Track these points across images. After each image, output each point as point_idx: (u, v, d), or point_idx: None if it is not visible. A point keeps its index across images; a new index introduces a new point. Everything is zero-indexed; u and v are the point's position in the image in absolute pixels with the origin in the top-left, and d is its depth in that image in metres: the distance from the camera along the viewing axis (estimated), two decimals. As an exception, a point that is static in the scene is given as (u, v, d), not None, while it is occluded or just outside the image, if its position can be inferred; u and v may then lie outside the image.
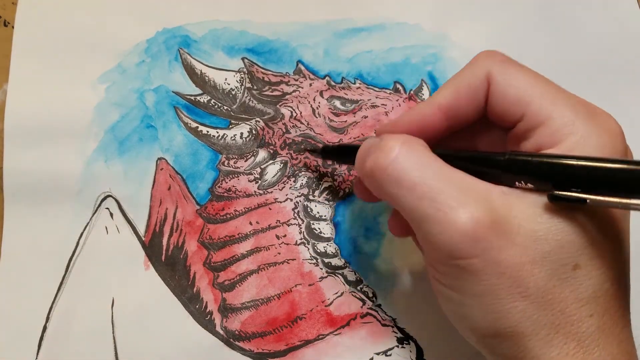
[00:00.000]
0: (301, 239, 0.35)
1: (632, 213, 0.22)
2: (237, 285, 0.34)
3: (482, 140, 0.27)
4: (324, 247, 0.35)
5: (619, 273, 0.23)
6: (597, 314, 0.22)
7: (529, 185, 0.22)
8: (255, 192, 0.35)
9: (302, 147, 0.35)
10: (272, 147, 0.36)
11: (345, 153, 0.30)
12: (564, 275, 0.22)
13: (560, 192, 0.21)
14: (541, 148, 0.23)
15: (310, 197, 0.35)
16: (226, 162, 0.35)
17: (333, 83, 0.37)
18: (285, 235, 0.35)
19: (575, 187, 0.21)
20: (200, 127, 0.36)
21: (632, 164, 0.20)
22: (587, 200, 0.20)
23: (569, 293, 0.22)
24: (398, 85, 0.38)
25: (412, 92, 0.37)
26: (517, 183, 0.23)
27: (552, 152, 0.22)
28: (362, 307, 0.34)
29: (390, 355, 0.33)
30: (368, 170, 0.25)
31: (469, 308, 0.23)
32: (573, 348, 0.22)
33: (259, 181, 0.35)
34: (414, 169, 0.23)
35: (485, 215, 0.21)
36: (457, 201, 0.22)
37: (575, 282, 0.22)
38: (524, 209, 0.22)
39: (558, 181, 0.21)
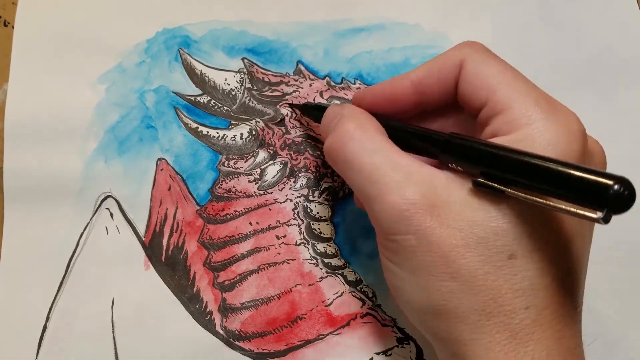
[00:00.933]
0: (301, 239, 0.35)
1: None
2: (237, 285, 0.34)
3: (454, 125, 0.28)
4: (324, 247, 0.35)
5: (566, 271, 0.23)
6: (534, 307, 0.22)
7: (459, 168, 0.23)
8: (255, 192, 0.35)
9: (286, 102, 0.36)
10: (272, 147, 0.36)
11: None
12: (498, 263, 0.22)
13: (481, 180, 0.22)
14: (497, 135, 0.23)
15: (310, 198, 0.35)
16: (226, 162, 0.36)
17: (333, 83, 0.37)
18: (285, 236, 0.35)
19: (500, 176, 0.21)
20: (200, 128, 0.36)
21: (555, 163, 0.20)
22: (505, 192, 0.21)
23: (502, 282, 0.22)
24: (398, 85, 0.38)
25: (412, 92, 0.37)
26: (449, 164, 0.24)
27: (501, 140, 0.23)
28: (362, 307, 0.34)
29: (390, 355, 0.33)
30: (326, 149, 0.27)
31: (405, 282, 0.24)
32: (506, 338, 0.22)
33: (259, 182, 0.35)
34: (364, 154, 0.25)
35: (421, 198, 0.23)
36: (398, 184, 0.23)
37: (510, 271, 0.22)
38: (463, 195, 0.23)
39: (485, 168, 0.22)
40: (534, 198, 0.20)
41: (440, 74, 0.26)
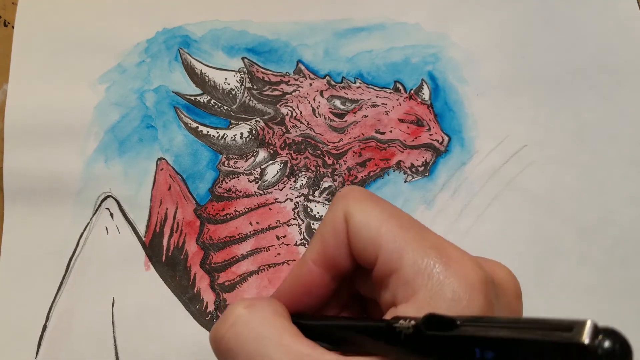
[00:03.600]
0: (301, 239, 0.35)
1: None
2: (238, 286, 0.34)
3: (366, 286, 0.24)
4: (324, 247, 0.35)
5: None
6: None
7: None
8: (255, 192, 0.35)
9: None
10: (272, 147, 0.36)
11: None
12: None
13: None
14: (396, 302, 0.21)
15: (310, 197, 0.35)
16: (226, 162, 0.35)
17: (333, 83, 0.37)
18: (285, 236, 0.35)
19: None
20: (201, 127, 0.36)
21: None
22: None
23: None
24: (398, 85, 0.38)
25: (412, 91, 0.37)
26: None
27: (403, 309, 0.20)
28: (362, 307, 0.34)
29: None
30: (210, 338, 0.23)
31: None
32: None
33: (259, 181, 0.35)
34: (248, 341, 0.21)
35: None
36: None
37: None
38: None
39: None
40: None
41: (333, 238, 0.22)
